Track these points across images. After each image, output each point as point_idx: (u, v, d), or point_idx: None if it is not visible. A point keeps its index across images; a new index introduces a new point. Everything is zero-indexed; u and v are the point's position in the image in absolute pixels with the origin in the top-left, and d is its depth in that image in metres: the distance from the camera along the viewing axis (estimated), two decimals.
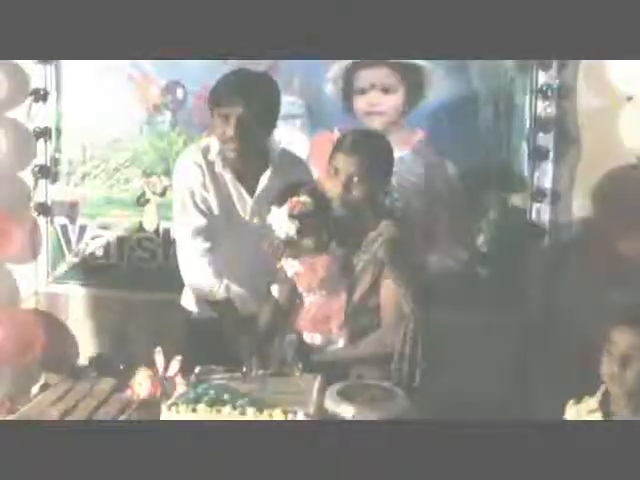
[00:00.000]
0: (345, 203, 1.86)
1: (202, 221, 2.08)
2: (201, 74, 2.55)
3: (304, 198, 1.82)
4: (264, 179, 2.11)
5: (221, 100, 2.01)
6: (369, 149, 1.88)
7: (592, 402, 1.72)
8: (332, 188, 1.87)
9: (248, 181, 2.11)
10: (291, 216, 1.81)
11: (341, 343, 1.92)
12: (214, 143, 2.11)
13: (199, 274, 2.08)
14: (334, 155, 1.88)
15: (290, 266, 1.89)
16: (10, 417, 1.65)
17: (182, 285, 2.23)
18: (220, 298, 2.06)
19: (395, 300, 1.84)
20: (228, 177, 2.10)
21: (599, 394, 1.71)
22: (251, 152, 2.06)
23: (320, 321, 1.91)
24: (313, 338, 1.92)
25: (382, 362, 1.86)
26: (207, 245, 2.07)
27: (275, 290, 1.96)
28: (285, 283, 1.94)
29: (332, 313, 1.90)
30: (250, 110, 1.97)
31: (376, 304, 1.89)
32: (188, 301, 2.25)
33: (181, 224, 2.13)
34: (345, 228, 1.91)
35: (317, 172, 2.29)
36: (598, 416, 1.69)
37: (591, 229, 2.47)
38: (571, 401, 1.76)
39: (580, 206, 2.50)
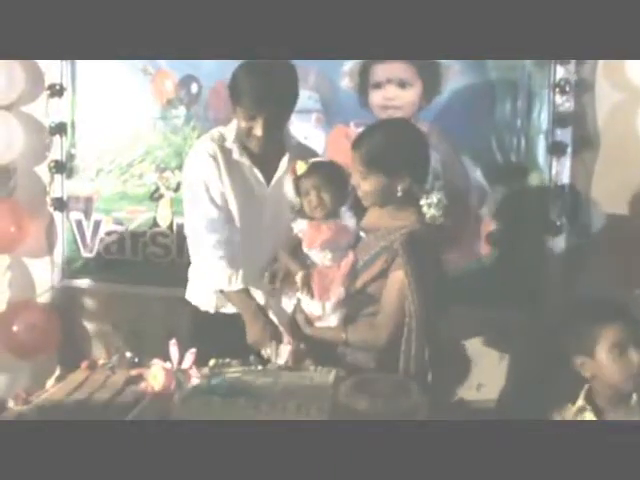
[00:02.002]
0: (364, 198, 1.93)
1: (215, 214, 2.06)
2: (216, 69, 2.54)
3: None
4: (282, 164, 2.10)
5: (245, 102, 1.97)
6: (370, 144, 1.89)
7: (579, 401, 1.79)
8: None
9: (265, 168, 2.10)
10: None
11: (334, 321, 1.92)
12: (229, 131, 2.10)
13: (214, 267, 2.05)
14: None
15: (299, 225, 1.97)
16: (25, 407, 1.65)
17: None
18: (238, 289, 2.03)
19: (399, 293, 1.83)
20: (246, 164, 2.09)
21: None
22: (272, 141, 2.05)
23: (320, 288, 1.91)
24: (310, 305, 1.93)
25: (369, 351, 1.88)
26: (221, 237, 2.04)
27: (281, 253, 2.01)
28: (291, 240, 1.99)
29: (333, 281, 1.90)
30: (277, 113, 1.98)
31: (379, 292, 1.88)
32: (193, 295, 2.24)
33: (194, 218, 2.10)
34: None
35: None
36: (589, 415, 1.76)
37: (609, 225, 2.44)
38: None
39: (598, 202, 2.47)
